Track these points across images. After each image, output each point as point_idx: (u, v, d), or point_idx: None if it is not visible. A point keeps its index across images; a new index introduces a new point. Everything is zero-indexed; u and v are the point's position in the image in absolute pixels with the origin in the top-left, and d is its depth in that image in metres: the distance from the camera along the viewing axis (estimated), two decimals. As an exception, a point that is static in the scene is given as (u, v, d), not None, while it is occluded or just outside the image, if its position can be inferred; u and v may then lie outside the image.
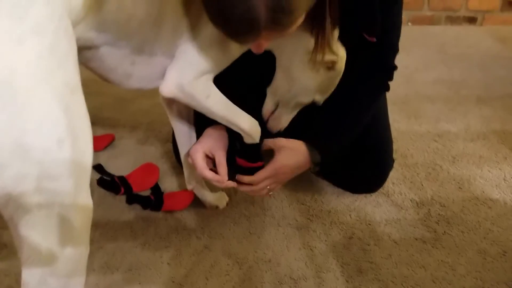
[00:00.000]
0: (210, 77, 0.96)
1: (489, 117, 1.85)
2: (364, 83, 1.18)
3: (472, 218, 1.28)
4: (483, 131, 1.75)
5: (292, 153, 1.10)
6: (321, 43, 0.96)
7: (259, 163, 1.09)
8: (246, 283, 1.05)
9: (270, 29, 0.76)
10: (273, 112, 1.15)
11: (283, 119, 1.14)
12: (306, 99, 1.10)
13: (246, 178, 1.08)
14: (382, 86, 1.24)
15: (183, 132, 1.20)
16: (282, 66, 1.08)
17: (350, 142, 1.20)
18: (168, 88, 0.93)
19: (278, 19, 0.74)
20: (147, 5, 0.84)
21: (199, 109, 0.98)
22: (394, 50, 1.18)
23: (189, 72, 0.92)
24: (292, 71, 1.06)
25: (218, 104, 0.98)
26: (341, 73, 1.09)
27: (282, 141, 1.11)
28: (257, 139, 1.06)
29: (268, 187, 1.10)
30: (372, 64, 1.18)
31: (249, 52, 0.99)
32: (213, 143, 1.07)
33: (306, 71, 1.05)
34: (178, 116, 1.18)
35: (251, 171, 1.08)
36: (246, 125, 1.02)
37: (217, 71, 0.97)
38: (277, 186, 1.14)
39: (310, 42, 0.99)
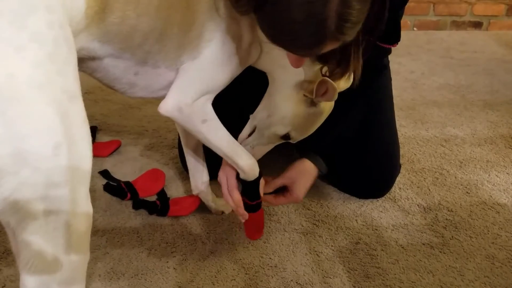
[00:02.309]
0: (209, 98, 0.96)
1: (496, 122, 1.84)
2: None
3: (480, 223, 1.27)
4: (490, 135, 1.74)
5: (305, 178, 1.14)
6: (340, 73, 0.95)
7: (256, 201, 1.10)
8: (252, 288, 1.05)
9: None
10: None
11: (256, 149, 1.11)
12: (281, 130, 1.06)
13: (272, 201, 1.15)
14: (374, 80, 1.23)
15: (189, 139, 1.21)
16: (269, 91, 1.07)
17: (350, 133, 1.21)
18: (167, 108, 0.92)
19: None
20: (151, 19, 0.83)
21: (194, 133, 0.97)
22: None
23: (189, 92, 0.92)
24: (276, 97, 1.04)
25: (213, 132, 0.97)
26: (323, 116, 1.07)
27: (291, 174, 1.12)
28: (251, 178, 1.05)
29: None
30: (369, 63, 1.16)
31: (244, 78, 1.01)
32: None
33: (288, 99, 1.03)
34: None
35: (249, 208, 1.10)
36: (243, 161, 1.02)
37: (216, 91, 0.97)
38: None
39: (306, 73, 1.01)
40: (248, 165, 1.04)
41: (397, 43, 1.11)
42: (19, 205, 0.59)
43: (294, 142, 1.11)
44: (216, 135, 0.98)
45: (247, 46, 0.95)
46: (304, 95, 1.01)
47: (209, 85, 0.94)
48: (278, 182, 1.13)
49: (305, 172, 1.15)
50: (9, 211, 0.60)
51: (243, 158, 1.03)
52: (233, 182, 1.08)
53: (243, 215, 1.09)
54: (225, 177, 1.09)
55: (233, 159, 1.02)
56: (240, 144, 1.09)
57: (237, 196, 1.08)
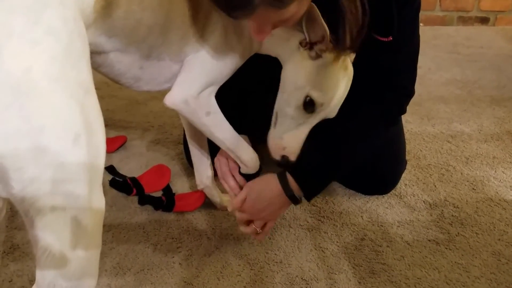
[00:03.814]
0: (214, 90, 0.97)
1: (502, 118, 1.83)
2: (365, 107, 1.07)
3: (486, 220, 1.26)
4: (497, 131, 1.73)
5: (262, 186, 1.03)
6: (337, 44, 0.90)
7: None
8: (257, 284, 1.05)
9: (266, 5, 0.73)
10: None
11: (286, 137, 0.99)
12: (299, 96, 0.95)
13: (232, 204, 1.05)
14: (389, 114, 1.10)
15: (194, 135, 1.21)
16: (282, 74, 1.02)
17: (344, 172, 1.10)
18: (173, 100, 0.93)
19: None
20: (154, 13, 0.85)
21: (198, 126, 0.98)
22: (410, 70, 1.09)
23: (195, 85, 0.93)
24: (286, 70, 1.00)
25: (217, 125, 0.98)
26: (334, 69, 0.95)
27: (251, 183, 1.05)
28: (252, 171, 1.05)
29: (256, 228, 1.05)
30: (380, 85, 1.07)
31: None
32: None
33: (295, 63, 0.98)
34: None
35: None
36: (244, 154, 1.03)
37: (220, 83, 0.97)
38: (266, 226, 1.07)
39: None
40: (250, 159, 1.04)
41: (390, 38, 1.06)
42: (36, 200, 0.60)
43: (322, 109, 0.96)
44: (220, 128, 0.99)
45: (249, 36, 0.95)
46: (299, 43, 0.94)
47: (214, 76, 0.95)
48: (242, 193, 1.05)
49: (263, 179, 1.04)
50: (26, 206, 0.61)
51: (245, 152, 1.03)
52: (226, 169, 1.09)
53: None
54: (218, 163, 1.11)
55: (235, 153, 1.03)
56: (270, 140, 1.01)
57: (232, 181, 1.09)
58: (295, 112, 0.97)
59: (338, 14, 0.84)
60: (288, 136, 0.98)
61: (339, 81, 0.96)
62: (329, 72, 0.95)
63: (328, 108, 0.97)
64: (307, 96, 0.95)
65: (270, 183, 1.03)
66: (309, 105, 0.95)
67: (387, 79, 1.08)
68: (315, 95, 0.95)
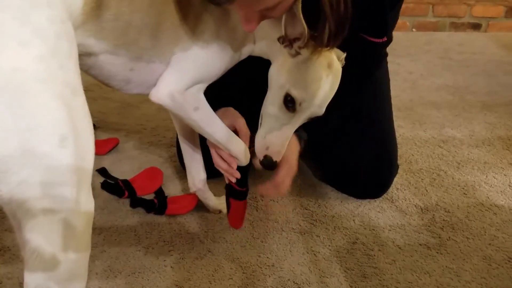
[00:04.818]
0: (202, 87, 0.96)
1: (494, 123, 1.85)
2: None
3: (477, 224, 1.27)
4: (488, 137, 1.74)
5: (294, 156, 1.12)
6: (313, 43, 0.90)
7: (244, 189, 1.10)
8: (249, 287, 1.05)
9: None
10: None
11: (268, 137, 0.99)
12: (279, 94, 0.96)
13: (271, 192, 1.13)
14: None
15: (187, 138, 1.21)
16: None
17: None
18: (159, 95, 0.92)
19: None
20: (144, 15, 0.85)
21: (186, 121, 0.98)
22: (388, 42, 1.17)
23: (181, 81, 0.93)
24: (270, 68, 1.00)
25: (206, 119, 0.98)
26: (315, 66, 0.94)
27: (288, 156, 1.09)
28: (244, 163, 1.06)
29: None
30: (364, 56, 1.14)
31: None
32: (231, 116, 1.08)
33: (278, 64, 0.98)
34: (182, 122, 1.18)
35: (236, 194, 1.10)
36: (235, 147, 1.03)
37: (209, 81, 0.97)
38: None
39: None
40: (240, 151, 1.04)
41: (385, 39, 1.08)
42: (25, 203, 0.60)
43: (303, 108, 0.95)
44: (209, 122, 0.99)
45: (241, 38, 0.96)
46: (277, 39, 0.93)
47: (202, 74, 0.95)
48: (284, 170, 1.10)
49: (295, 151, 1.12)
50: (14, 208, 0.60)
51: (235, 144, 1.03)
52: (216, 155, 1.09)
53: (235, 174, 1.08)
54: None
55: (225, 146, 1.02)
56: (255, 140, 1.02)
57: (223, 163, 1.08)
58: (279, 112, 0.97)
59: (319, 8, 0.83)
60: (272, 136, 0.99)
61: (322, 78, 0.94)
62: (309, 69, 0.94)
63: (311, 106, 0.95)
64: (287, 93, 0.94)
65: (295, 148, 1.12)
66: (289, 103, 0.95)
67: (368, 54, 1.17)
68: (295, 92, 0.94)
